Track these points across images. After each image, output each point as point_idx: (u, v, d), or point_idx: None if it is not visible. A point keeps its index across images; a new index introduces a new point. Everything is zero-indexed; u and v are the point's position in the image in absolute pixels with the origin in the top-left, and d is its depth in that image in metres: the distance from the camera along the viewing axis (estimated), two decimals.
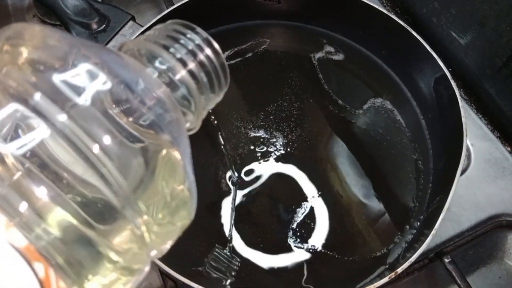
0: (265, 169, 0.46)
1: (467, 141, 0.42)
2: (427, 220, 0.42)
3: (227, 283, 0.39)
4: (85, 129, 0.16)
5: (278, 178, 0.45)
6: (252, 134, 0.48)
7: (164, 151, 0.19)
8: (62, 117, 0.15)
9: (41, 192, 0.15)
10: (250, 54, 0.53)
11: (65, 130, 0.15)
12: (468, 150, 0.49)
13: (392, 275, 0.36)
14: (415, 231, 0.43)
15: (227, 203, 0.44)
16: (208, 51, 0.22)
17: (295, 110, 0.49)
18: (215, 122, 0.36)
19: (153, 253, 0.19)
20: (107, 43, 0.46)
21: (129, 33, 0.47)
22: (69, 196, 0.16)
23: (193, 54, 0.21)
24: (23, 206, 0.14)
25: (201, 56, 0.21)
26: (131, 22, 0.48)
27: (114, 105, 0.18)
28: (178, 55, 0.21)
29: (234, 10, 0.54)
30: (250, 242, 0.42)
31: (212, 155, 0.46)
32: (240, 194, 0.44)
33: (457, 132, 0.42)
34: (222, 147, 0.41)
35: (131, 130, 0.18)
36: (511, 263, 0.45)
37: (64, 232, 0.15)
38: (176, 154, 0.19)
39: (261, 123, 0.48)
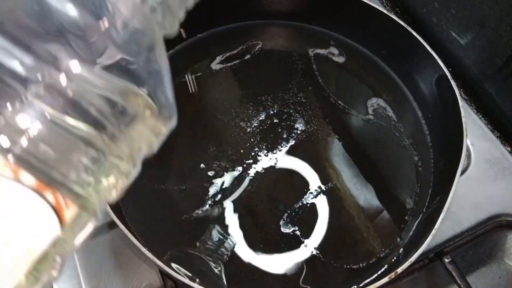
0: (264, 168, 0.46)
1: (467, 141, 0.42)
2: (427, 220, 0.42)
3: (224, 259, 0.40)
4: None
5: (277, 177, 0.45)
6: (253, 134, 0.48)
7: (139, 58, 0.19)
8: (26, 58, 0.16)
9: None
10: (249, 55, 0.53)
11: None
12: (468, 150, 0.49)
13: (392, 275, 0.36)
14: (415, 231, 0.43)
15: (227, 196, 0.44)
16: None
17: (296, 110, 0.49)
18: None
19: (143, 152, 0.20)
20: None
21: None
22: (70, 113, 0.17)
23: None
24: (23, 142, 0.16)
25: None
26: None
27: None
28: None
29: (234, 10, 0.54)
30: (250, 242, 0.42)
31: (211, 146, 0.46)
32: (240, 194, 0.44)
33: (457, 132, 0.42)
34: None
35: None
36: (511, 263, 0.45)
37: (63, 151, 0.17)
38: (153, 64, 0.20)
39: (261, 123, 0.48)
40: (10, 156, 0.16)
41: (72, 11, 0.17)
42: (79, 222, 0.18)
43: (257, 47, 0.54)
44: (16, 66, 0.16)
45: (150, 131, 0.20)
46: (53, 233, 0.17)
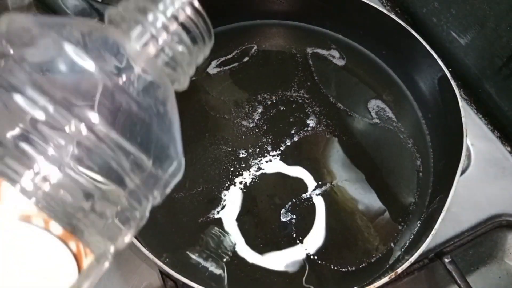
0: (264, 169, 0.46)
1: (467, 141, 0.42)
2: (427, 220, 0.42)
3: (224, 260, 0.40)
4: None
5: (277, 177, 0.45)
6: (252, 135, 0.48)
7: (152, 114, 0.20)
8: (50, 107, 0.17)
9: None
10: (247, 57, 0.53)
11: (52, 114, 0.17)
12: (468, 150, 0.49)
13: (392, 275, 0.36)
14: (415, 231, 0.43)
15: (228, 196, 0.44)
16: (188, 10, 0.22)
17: (296, 111, 0.49)
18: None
19: (150, 204, 0.22)
20: None
21: None
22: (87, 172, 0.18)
23: (174, 16, 0.22)
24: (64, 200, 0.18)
25: (182, 17, 0.22)
26: None
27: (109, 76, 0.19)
28: (161, 19, 0.21)
29: (235, 10, 0.54)
30: (251, 242, 0.42)
31: (218, 150, 0.47)
32: (240, 194, 0.44)
33: (457, 132, 0.42)
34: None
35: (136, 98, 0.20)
36: (511, 263, 0.45)
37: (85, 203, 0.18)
38: (164, 117, 0.21)
39: (261, 123, 0.48)
40: (43, 206, 0.17)
41: (90, 67, 0.18)
42: (94, 268, 0.19)
43: (253, 49, 0.54)
44: (40, 116, 0.17)
45: (162, 183, 0.22)
46: (71, 279, 0.18)
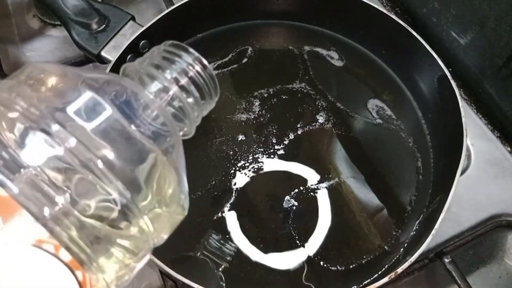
0: (265, 168, 0.46)
1: (467, 141, 0.42)
2: (427, 220, 0.42)
3: (221, 268, 0.40)
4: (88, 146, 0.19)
5: (277, 177, 0.45)
6: (252, 135, 0.48)
7: (161, 158, 0.22)
8: (72, 141, 0.19)
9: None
10: (246, 58, 0.53)
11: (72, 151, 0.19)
12: (468, 150, 0.49)
13: (392, 275, 0.36)
14: (415, 231, 0.43)
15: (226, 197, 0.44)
16: (197, 67, 0.25)
17: (295, 110, 0.49)
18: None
19: (155, 241, 0.23)
20: (107, 43, 0.46)
21: (129, 33, 0.47)
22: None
23: (184, 72, 0.25)
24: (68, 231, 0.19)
25: (191, 73, 0.25)
26: (131, 22, 0.47)
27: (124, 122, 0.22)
28: (172, 74, 0.25)
29: (235, 10, 0.54)
30: (251, 241, 0.42)
31: (217, 151, 0.47)
32: (240, 194, 0.44)
33: (457, 132, 0.42)
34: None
35: (143, 140, 0.22)
36: (511, 263, 0.45)
37: (91, 238, 0.19)
38: (172, 161, 0.23)
39: (262, 123, 0.49)
40: (56, 233, 0.18)
41: (108, 111, 0.21)
42: None
43: (253, 49, 0.54)
44: (60, 151, 0.19)
45: (167, 221, 0.23)
46: None
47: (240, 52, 0.53)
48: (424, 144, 0.48)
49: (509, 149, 0.50)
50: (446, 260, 0.42)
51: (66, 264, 0.18)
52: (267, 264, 0.41)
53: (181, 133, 0.26)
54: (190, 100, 0.25)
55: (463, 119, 0.42)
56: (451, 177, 0.40)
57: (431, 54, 0.46)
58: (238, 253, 0.42)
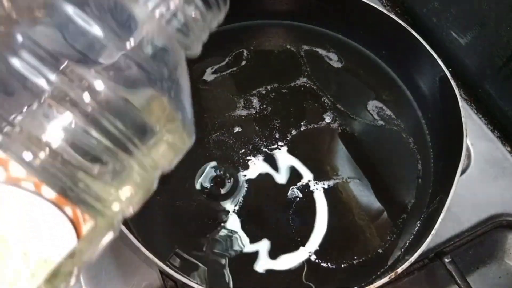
0: (265, 168, 0.46)
1: (467, 141, 0.42)
2: (427, 220, 0.42)
3: (221, 267, 0.40)
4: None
5: (278, 177, 0.45)
6: (252, 135, 0.48)
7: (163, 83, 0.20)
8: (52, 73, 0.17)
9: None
10: (244, 60, 0.53)
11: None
12: (468, 150, 0.49)
13: (392, 275, 0.36)
14: (415, 231, 0.43)
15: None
16: None
17: (295, 109, 0.49)
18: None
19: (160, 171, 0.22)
20: None
21: None
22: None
23: None
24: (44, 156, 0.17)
25: None
26: None
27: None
28: None
29: (234, 10, 0.54)
30: (252, 241, 0.42)
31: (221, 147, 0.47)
32: (240, 194, 0.44)
33: (457, 132, 0.42)
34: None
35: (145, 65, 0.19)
36: (511, 263, 0.45)
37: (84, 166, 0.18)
38: (175, 85, 0.21)
39: (262, 123, 0.49)
40: (32, 169, 0.16)
41: (97, 31, 0.18)
42: (96, 235, 0.19)
43: (252, 49, 0.54)
44: (41, 82, 0.17)
45: (169, 149, 0.21)
46: (70, 245, 0.17)
47: (237, 54, 0.53)
48: (424, 144, 0.48)
49: (509, 149, 0.50)
50: (446, 260, 0.42)
51: (51, 201, 0.17)
52: (267, 263, 0.41)
53: (185, 52, 0.23)
54: (194, 12, 0.21)
55: (463, 119, 0.42)
56: (451, 177, 0.40)
57: (431, 54, 0.46)
58: (238, 252, 0.42)
